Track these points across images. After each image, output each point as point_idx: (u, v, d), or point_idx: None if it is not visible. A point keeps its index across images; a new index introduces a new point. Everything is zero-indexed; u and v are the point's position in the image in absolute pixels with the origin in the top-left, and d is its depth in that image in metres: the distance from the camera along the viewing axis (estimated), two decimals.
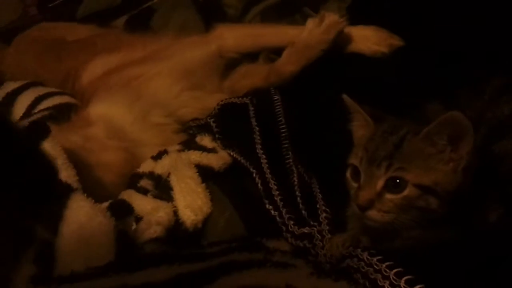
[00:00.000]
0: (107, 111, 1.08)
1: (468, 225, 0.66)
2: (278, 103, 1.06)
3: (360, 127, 0.76)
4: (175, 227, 0.86)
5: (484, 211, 0.68)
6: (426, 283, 0.58)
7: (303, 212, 0.84)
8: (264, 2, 1.46)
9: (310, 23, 1.16)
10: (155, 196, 0.92)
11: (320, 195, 0.86)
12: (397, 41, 1.12)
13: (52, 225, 0.76)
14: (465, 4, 1.02)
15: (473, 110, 0.76)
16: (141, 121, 1.10)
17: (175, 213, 0.87)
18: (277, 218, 0.84)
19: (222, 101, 1.12)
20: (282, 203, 0.86)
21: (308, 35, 1.15)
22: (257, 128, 1.01)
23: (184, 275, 0.65)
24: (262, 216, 0.87)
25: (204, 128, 1.09)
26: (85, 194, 0.82)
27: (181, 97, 1.16)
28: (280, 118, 1.03)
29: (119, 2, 1.80)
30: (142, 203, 0.88)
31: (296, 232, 0.81)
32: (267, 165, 0.93)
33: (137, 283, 0.62)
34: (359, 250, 0.68)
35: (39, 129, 0.84)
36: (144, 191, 0.94)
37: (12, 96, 1.26)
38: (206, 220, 0.88)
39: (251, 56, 1.29)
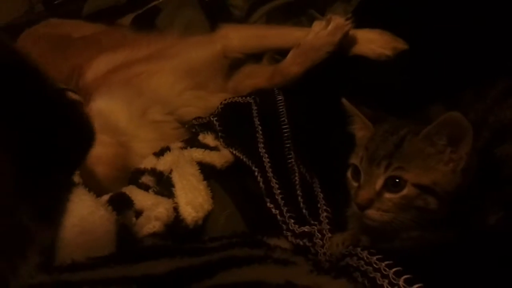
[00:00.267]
0: (105, 106, 1.09)
1: (467, 227, 0.66)
2: (281, 103, 1.07)
3: (360, 129, 0.77)
4: (176, 223, 0.86)
5: (484, 214, 0.68)
6: (425, 283, 0.58)
7: (304, 211, 0.84)
8: (270, 4, 1.47)
9: (317, 25, 1.16)
10: (156, 192, 0.92)
11: (321, 194, 0.86)
12: (401, 45, 1.12)
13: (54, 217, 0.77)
14: (469, 7, 1.02)
15: (476, 112, 0.76)
16: (139, 117, 1.11)
17: (176, 209, 0.87)
18: (278, 217, 0.85)
19: (225, 100, 1.12)
20: (283, 201, 0.86)
21: (314, 37, 1.15)
22: (260, 128, 1.01)
23: (184, 268, 0.65)
24: (263, 214, 0.87)
25: (207, 126, 1.09)
26: (87, 189, 0.84)
27: (184, 95, 1.17)
28: (283, 118, 1.04)
29: (125, 0, 1.81)
30: (143, 199, 0.89)
31: (296, 231, 0.81)
32: (269, 164, 0.93)
33: (138, 275, 0.62)
34: (358, 249, 0.68)
35: None
36: (145, 187, 0.95)
37: None
38: (207, 217, 0.88)
39: (255, 57, 1.29)
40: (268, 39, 1.27)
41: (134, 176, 0.99)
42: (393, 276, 0.61)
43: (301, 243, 0.79)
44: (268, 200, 0.88)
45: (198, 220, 0.87)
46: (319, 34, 1.14)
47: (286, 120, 1.03)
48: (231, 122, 1.06)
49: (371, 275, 0.63)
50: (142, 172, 0.99)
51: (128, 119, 1.09)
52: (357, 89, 1.02)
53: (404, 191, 0.65)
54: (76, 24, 1.66)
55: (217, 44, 1.26)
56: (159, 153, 1.02)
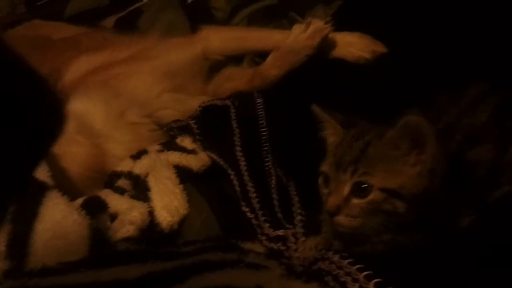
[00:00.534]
0: (82, 107, 1.08)
1: (439, 230, 0.66)
2: (260, 106, 1.07)
3: (331, 135, 0.76)
4: (151, 227, 0.85)
5: (457, 217, 0.68)
6: (395, 286, 0.59)
7: (279, 215, 0.84)
8: (251, 6, 1.46)
9: (296, 28, 1.16)
10: (132, 196, 0.91)
11: (297, 198, 0.86)
12: (380, 48, 1.13)
13: (27, 221, 0.77)
14: (447, 12, 1.03)
15: (450, 116, 0.76)
16: (116, 118, 1.09)
17: (151, 213, 0.86)
18: (253, 221, 0.84)
19: (204, 103, 1.12)
20: (258, 205, 0.86)
21: (293, 40, 1.15)
22: (238, 131, 1.01)
23: (156, 273, 0.64)
24: (238, 218, 0.86)
25: (185, 129, 1.08)
26: (61, 192, 0.83)
27: (162, 97, 1.16)
28: (261, 121, 1.04)
29: (108, 2, 1.80)
30: (118, 203, 0.88)
31: (271, 235, 0.81)
32: (245, 168, 0.93)
33: (109, 279, 0.62)
34: (330, 253, 0.68)
35: None
36: (121, 191, 0.94)
37: None
38: (183, 221, 0.87)
39: (236, 59, 1.29)
40: (248, 42, 1.27)
41: (111, 180, 0.98)
42: (364, 280, 0.61)
43: (275, 247, 0.78)
44: (243, 204, 0.87)
45: (174, 225, 0.86)
46: (298, 37, 1.15)
47: (264, 123, 1.03)
48: (209, 125, 1.06)
49: (342, 279, 0.63)
50: (118, 175, 0.98)
51: (104, 120, 1.08)
52: (336, 92, 1.02)
53: (371, 196, 0.65)
54: (58, 26, 1.64)
55: (197, 46, 1.25)
56: (136, 156, 1.01)
